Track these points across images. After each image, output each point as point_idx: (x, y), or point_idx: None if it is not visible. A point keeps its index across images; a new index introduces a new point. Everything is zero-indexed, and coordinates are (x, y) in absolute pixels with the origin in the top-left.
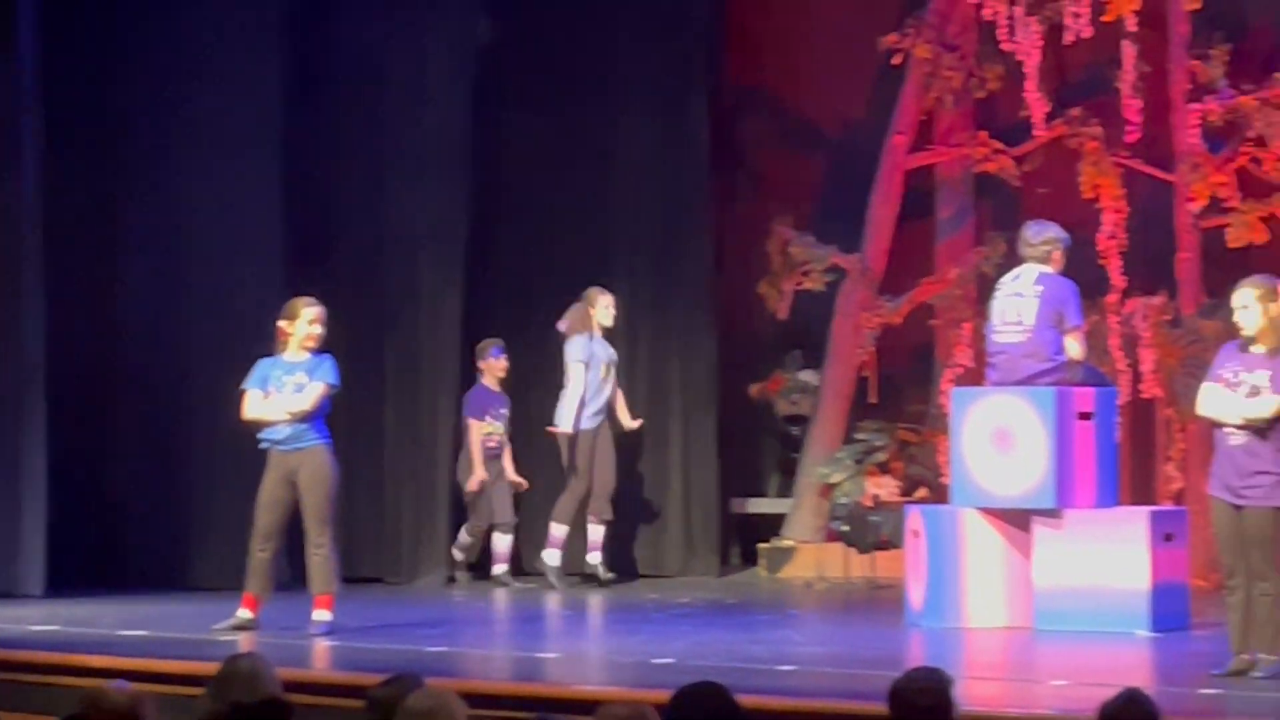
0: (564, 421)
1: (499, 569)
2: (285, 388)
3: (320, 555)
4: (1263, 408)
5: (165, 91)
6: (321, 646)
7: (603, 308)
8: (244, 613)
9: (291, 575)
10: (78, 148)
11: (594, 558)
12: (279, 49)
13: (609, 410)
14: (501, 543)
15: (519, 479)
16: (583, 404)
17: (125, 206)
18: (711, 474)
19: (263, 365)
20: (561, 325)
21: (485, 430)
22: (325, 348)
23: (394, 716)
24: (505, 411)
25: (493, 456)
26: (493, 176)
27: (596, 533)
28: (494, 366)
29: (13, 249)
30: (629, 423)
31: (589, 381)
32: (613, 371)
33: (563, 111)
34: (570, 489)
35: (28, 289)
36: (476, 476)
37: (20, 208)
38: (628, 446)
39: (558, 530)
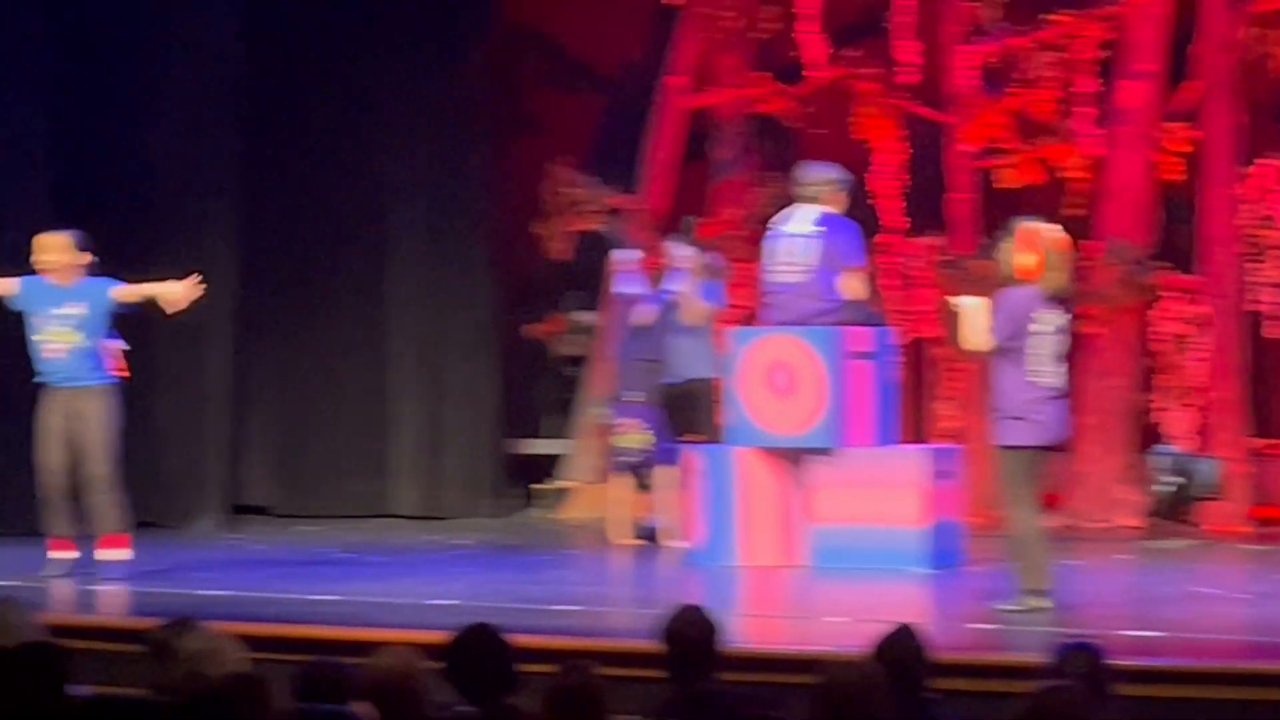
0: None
1: None
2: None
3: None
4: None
5: None
6: (100, 591)
7: None
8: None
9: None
10: None
11: None
12: None
13: None
14: None
15: None
16: None
17: None
18: (489, 415)
19: None
20: None
21: None
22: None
23: (172, 659)
24: None
25: None
26: (265, 123)
27: None
28: None
29: None
30: None
31: None
32: None
33: (335, 54)
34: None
35: None
36: None
37: None
38: (405, 387)
39: None
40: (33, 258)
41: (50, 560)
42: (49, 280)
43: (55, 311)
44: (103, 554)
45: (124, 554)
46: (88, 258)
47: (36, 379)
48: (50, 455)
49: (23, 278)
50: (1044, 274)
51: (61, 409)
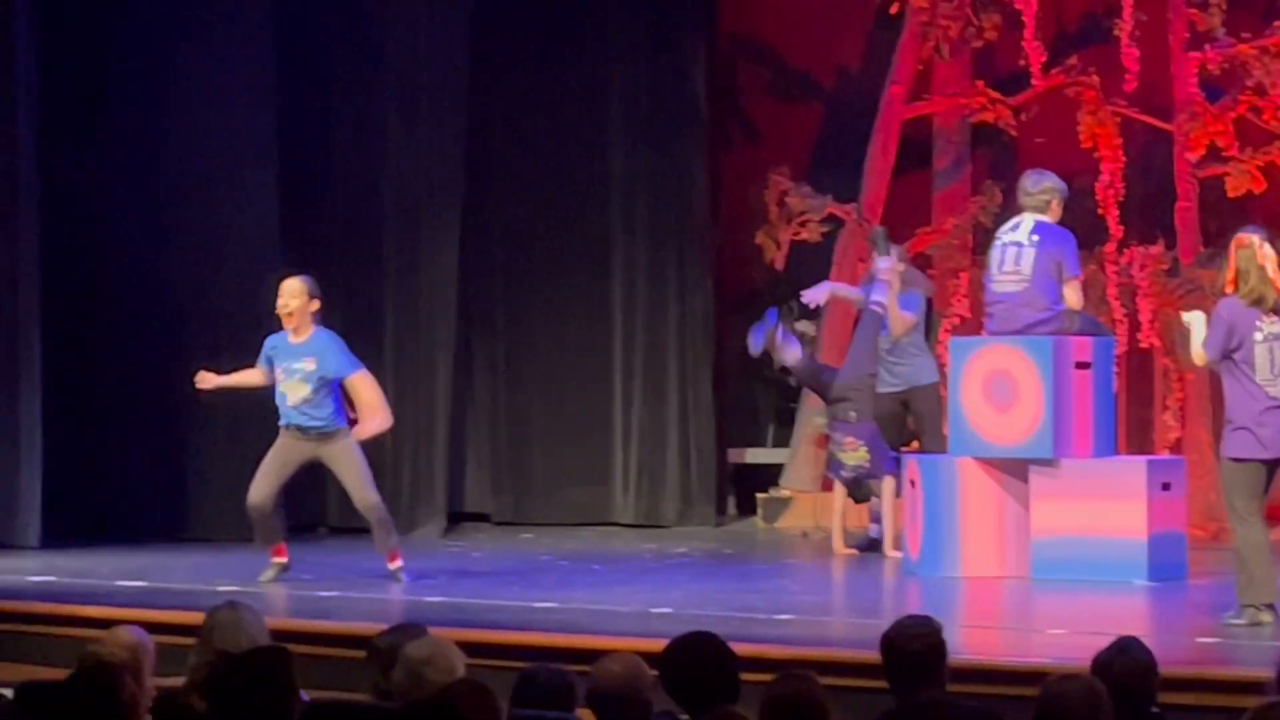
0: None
1: None
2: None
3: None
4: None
5: (154, 45)
6: (323, 597)
7: None
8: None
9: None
10: (67, 103)
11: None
12: (272, 4)
13: None
14: None
15: None
16: None
17: (115, 164)
18: (708, 424)
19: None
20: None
21: None
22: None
23: (395, 665)
24: None
25: None
26: (488, 128)
27: None
28: None
29: (4, 205)
30: None
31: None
32: None
33: (558, 61)
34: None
35: (23, 241)
36: None
37: (14, 167)
38: (625, 396)
39: None
40: (278, 301)
41: (271, 564)
42: (287, 334)
43: (290, 365)
44: (391, 566)
45: (398, 564)
46: (317, 304)
47: (280, 422)
48: (264, 482)
49: (267, 340)
50: (1241, 284)
51: (297, 448)
